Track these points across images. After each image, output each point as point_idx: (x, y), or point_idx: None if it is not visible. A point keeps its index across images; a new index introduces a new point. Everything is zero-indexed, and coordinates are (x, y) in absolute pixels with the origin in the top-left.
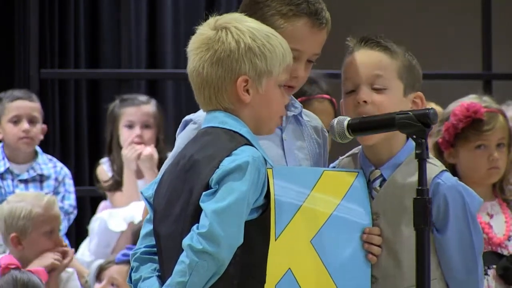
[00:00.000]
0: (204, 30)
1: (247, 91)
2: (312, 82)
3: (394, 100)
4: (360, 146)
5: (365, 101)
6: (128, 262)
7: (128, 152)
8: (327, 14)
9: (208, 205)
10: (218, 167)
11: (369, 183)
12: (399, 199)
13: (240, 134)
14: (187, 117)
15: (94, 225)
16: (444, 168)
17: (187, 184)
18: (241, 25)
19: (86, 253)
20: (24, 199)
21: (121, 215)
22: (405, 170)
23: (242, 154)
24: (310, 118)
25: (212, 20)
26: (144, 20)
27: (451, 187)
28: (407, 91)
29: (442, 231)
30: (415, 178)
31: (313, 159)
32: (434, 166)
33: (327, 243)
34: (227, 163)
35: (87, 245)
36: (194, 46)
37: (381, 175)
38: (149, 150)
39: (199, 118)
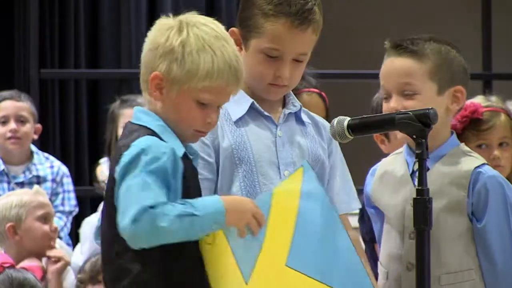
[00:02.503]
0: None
1: (161, 89)
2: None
3: (426, 102)
4: (404, 146)
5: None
6: None
7: None
8: (314, 14)
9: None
10: (119, 163)
11: (413, 174)
12: (440, 187)
13: (149, 128)
14: None
15: (85, 229)
16: (485, 161)
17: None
18: (190, 28)
19: (80, 257)
20: (13, 194)
21: None
22: (448, 161)
23: (137, 145)
24: (311, 119)
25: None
26: (144, 19)
27: (492, 177)
28: (442, 89)
29: (481, 219)
30: (457, 168)
31: (312, 157)
32: (476, 158)
33: (304, 255)
34: (124, 157)
35: (80, 249)
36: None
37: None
38: None
39: None
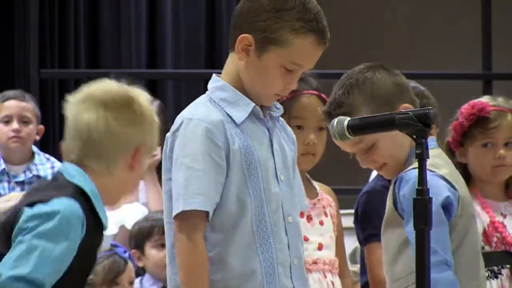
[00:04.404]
0: None
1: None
2: (301, 79)
3: (387, 143)
4: None
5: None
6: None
7: None
8: (328, 33)
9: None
10: (32, 207)
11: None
12: (388, 203)
13: (83, 191)
14: (187, 115)
15: None
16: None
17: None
18: None
19: None
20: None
21: (112, 218)
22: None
23: (56, 203)
24: (278, 120)
25: None
26: (144, 20)
27: (407, 180)
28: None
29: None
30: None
31: (291, 160)
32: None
33: None
34: (38, 208)
35: None
36: None
37: None
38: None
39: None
